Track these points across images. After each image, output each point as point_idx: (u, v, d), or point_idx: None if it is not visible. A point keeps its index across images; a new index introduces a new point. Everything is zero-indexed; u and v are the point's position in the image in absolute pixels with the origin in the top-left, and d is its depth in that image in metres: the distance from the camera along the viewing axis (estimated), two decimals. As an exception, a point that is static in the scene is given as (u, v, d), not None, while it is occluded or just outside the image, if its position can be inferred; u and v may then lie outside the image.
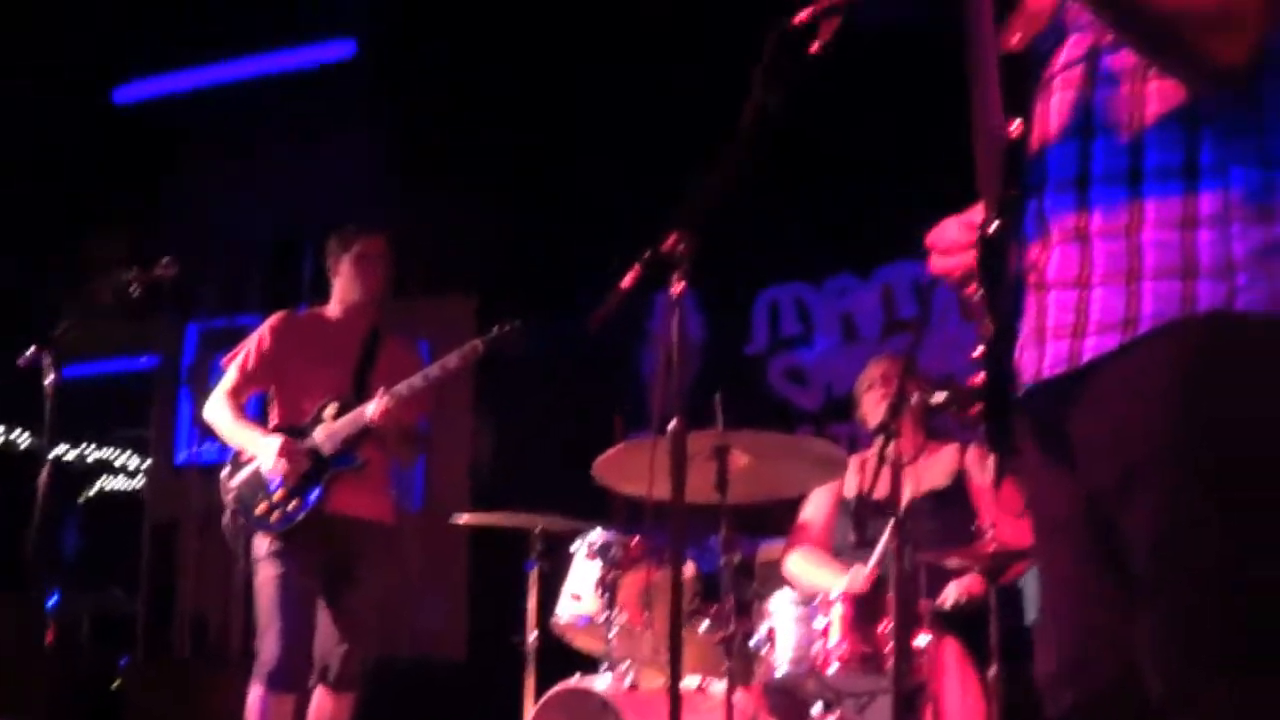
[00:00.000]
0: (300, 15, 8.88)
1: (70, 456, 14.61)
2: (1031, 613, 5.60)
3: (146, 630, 8.46)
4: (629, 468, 4.27)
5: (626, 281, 3.33)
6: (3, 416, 15.54)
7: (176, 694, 7.55)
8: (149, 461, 10.33)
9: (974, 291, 2.36)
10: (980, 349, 2.31)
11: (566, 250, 8.67)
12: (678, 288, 3.28)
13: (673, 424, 3.33)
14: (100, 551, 13.48)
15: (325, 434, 5.34)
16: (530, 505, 5.49)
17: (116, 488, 16.91)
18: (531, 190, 8.73)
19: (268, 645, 5.17)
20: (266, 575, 5.26)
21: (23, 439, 15.59)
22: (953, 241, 2.43)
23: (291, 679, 5.18)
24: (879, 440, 4.87)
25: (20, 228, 10.41)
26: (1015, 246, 2.30)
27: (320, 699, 5.37)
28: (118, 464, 16.49)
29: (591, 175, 8.48)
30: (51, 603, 6.32)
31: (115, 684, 7.40)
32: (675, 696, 3.01)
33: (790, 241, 8.32)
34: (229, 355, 5.63)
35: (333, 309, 5.68)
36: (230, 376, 5.55)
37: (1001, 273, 2.29)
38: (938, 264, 2.48)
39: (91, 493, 16.27)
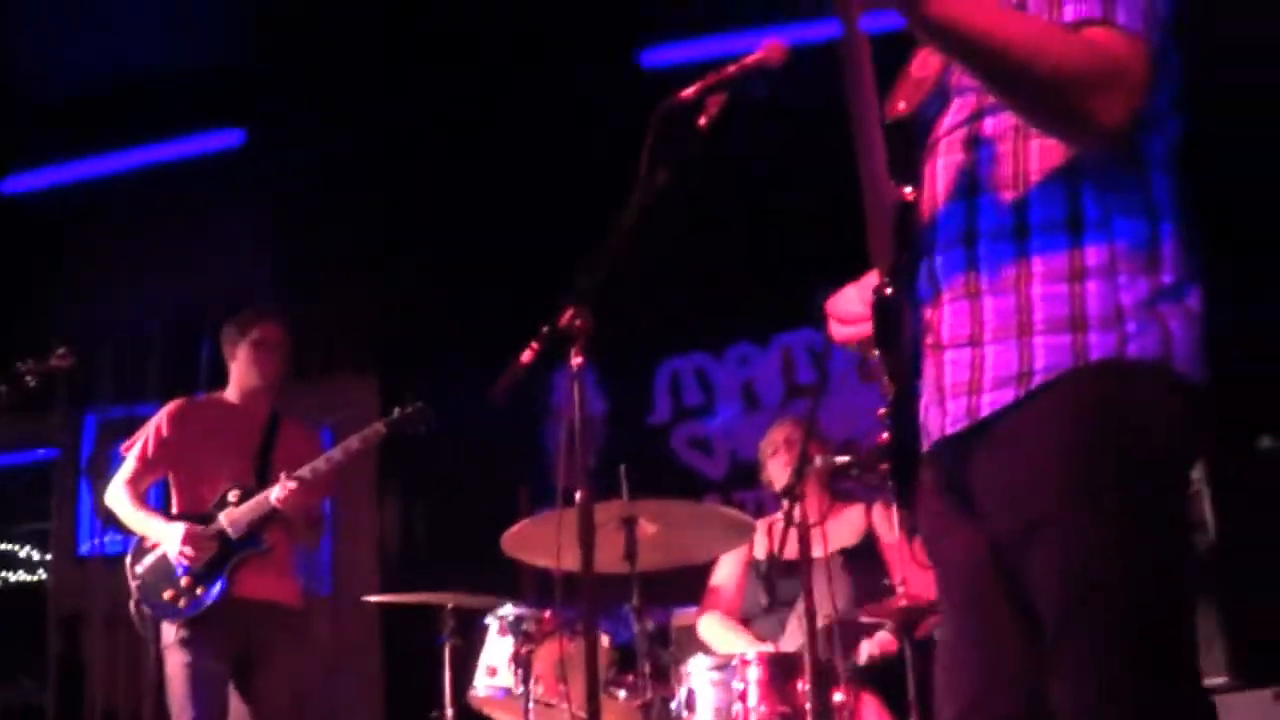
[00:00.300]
0: (188, 104, 8.86)
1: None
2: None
3: (55, 724, 8.30)
4: (537, 541, 4.30)
5: (526, 356, 3.36)
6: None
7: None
8: (51, 553, 10.15)
9: (875, 355, 2.42)
10: (883, 409, 2.36)
11: (465, 327, 8.68)
12: (577, 361, 3.32)
13: (579, 495, 3.35)
14: (5, 645, 13.25)
15: (229, 519, 5.32)
16: (440, 582, 5.48)
17: (19, 580, 16.65)
18: (430, 269, 8.73)
19: None
20: (176, 663, 5.22)
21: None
22: (850, 309, 2.49)
23: None
24: (785, 503, 4.96)
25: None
26: (910, 308, 2.36)
27: None
28: (20, 556, 16.24)
29: (488, 252, 8.51)
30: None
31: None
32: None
33: (689, 311, 8.39)
34: (128, 443, 5.62)
35: (231, 395, 5.68)
36: (129, 465, 5.53)
37: (898, 335, 2.34)
38: (838, 331, 2.53)
39: (-4, 586, 16.01)
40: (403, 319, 8.96)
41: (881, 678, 4.61)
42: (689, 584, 5.72)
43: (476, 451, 8.54)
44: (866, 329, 2.43)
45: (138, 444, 5.53)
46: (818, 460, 4.41)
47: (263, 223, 8.57)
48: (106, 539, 9.06)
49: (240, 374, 5.63)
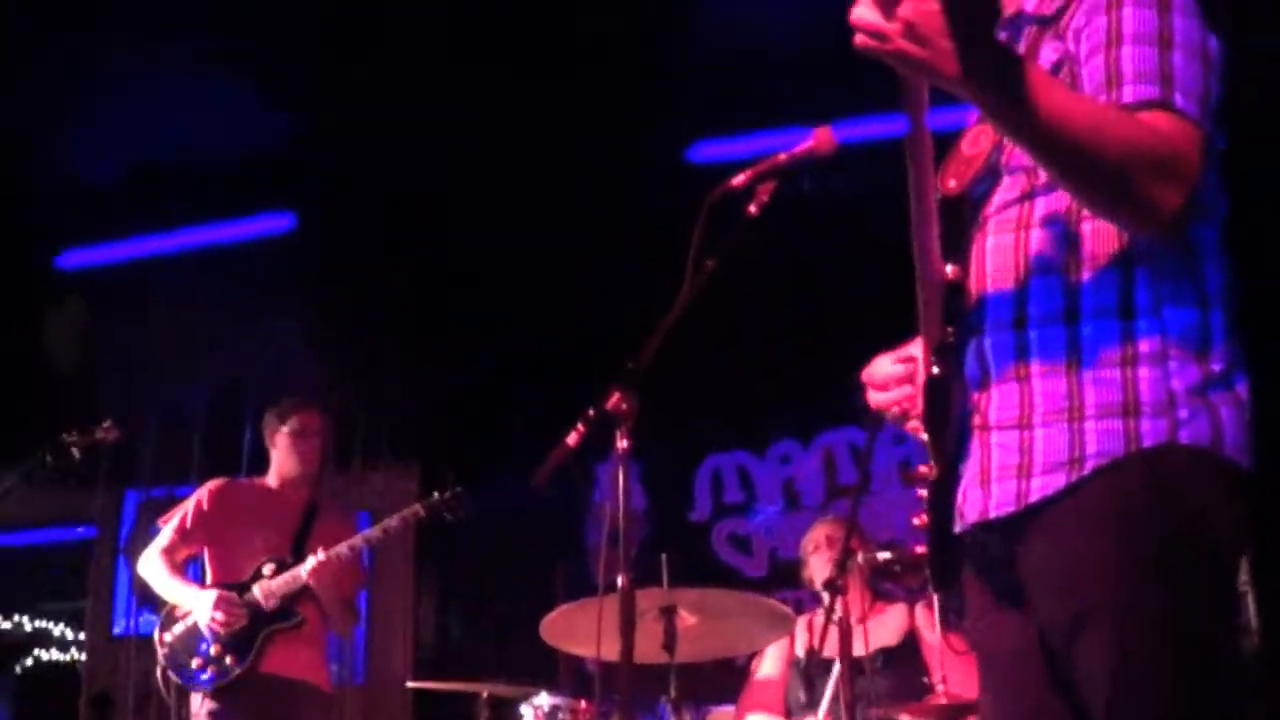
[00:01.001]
0: (241, 187, 8.94)
1: (5, 626, 14.38)
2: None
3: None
4: (575, 628, 4.26)
5: (572, 439, 3.37)
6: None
7: None
8: (86, 631, 10.15)
9: (916, 429, 2.39)
10: (924, 491, 2.34)
11: (507, 419, 8.70)
12: (622, 444, 3.31)
13: (620, 581, 3.33)
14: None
15: (263, 590, 5.32)
16: (475, 671, 5.45)
17: (52, 659, 16.64)
18: (474, 360, 8.76)
19: None
20: None
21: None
22: (887, 376, 2.47)
23: None
24: (827, 597, 4.91)
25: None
26: (958, 389, 2.34)
27: None
28: (54, 635, 16.24)
29: (532, 344, 8.53)
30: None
31: None
32: None
33: (731, 409, 8.39)
34: (165, 516, 5.64)
35: (271, 480, 5.71)
36: (166, 535, 5.55)
37: (945, 415, 2.31)
38: (875, 399, 2.51)
39: (27, 663, 15.99)
40: (446, 409, 8.98)
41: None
42: (723, 682, 5.67)
43: (513, 543, 8.53)
44: (903, 395, 2.41)
45: (176, 516, 5.57)
46: (860, 557, 4.37)
47: (309, 307, 8.61)
48: (142, 619, 9.09)
49: (280, 461, 5.67)
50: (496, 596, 8.65)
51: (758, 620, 4.24)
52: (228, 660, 5.22)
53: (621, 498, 3.30)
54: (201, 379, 9.17)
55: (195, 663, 5.26)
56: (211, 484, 5.65)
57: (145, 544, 9.44)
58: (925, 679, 4.71)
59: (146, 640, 8.86)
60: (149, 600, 9.36)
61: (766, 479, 8.61)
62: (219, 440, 9.00)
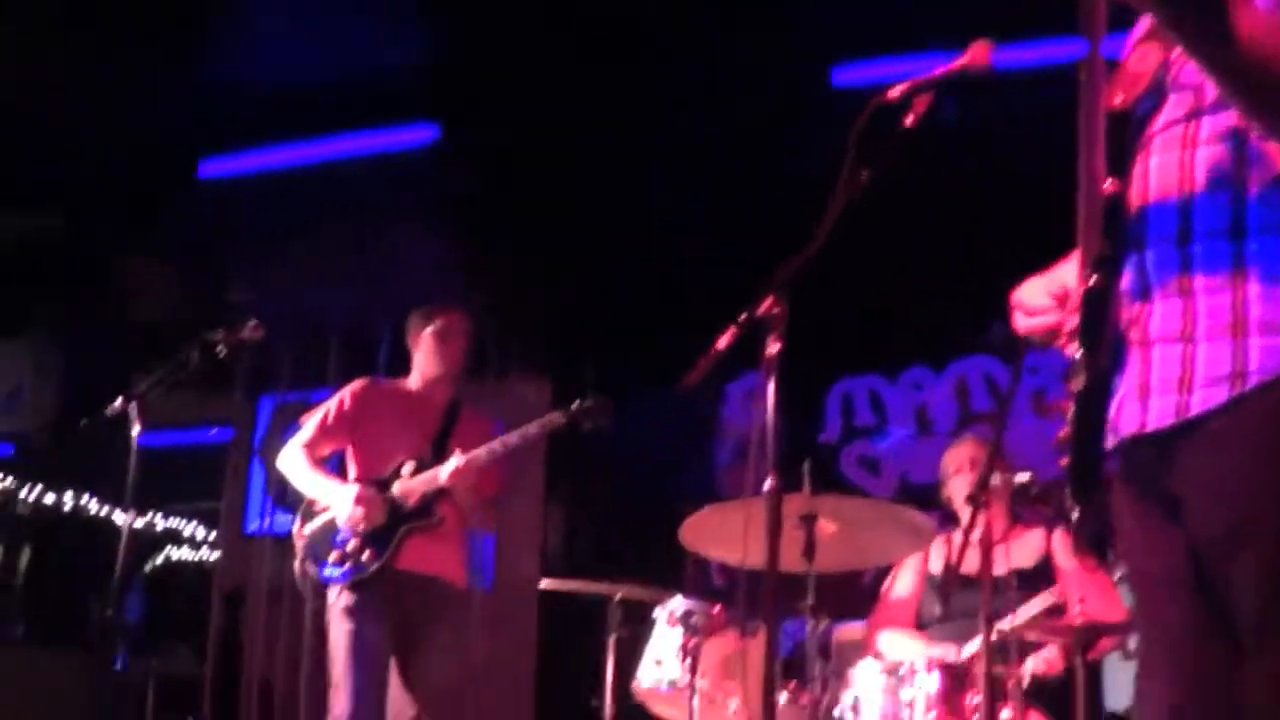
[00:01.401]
0: (386, 99, 9.01)
1: (139, 524, 14.73)
2: (1110, 699, 5.56)
3: (213, 695, 8.47)
4: (716, 532, 4.28)
5: (722, 343, 3.39)
6: (72, 483, 15.74)
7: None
8: (219, 530, 10.38)
9: (1066, 347, 2.38)
10: (1070, 404, 2.32)
11: (640, 335, 8.72)
12: (774, 348, 3.33)
13: (768, 484, 3.35)
14: (166, 619, 13.57)
15: (402, 489, 5.35)
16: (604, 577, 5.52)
17: (182, 558, 17.05)
18: (609, 274, 8.80)
19: (339, 702, 5.15)
20: (340, 630, 5.24)
21: (91, 506, 15.76)
22: (1038, 297, 2.46)
23: None
24: (966, 517, 4.90)
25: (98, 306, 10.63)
26: (1116, 302, 2.32)
27: None
28: (185, 534, 16.63)
29: (668, 260, 8.55)
30: (120, 665, 6.36)
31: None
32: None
33: (864, 334, 8.37)
34: (308, 413, 5.68)
35: (413, 382, 5.73)
36: (307, 431, 5.58)
37: (1102, 328, 2.30)
38: (1022, 323, 2.50)
39: (158, 561, 16.40)
40: (579, 324, 9.04)
41: (1048, 698, 4.53)
42: (849, 600, 5.68)
43: (642, 458, 8.58)
44: (1053, 319, 2.40)
45: (318, 414, 5.60)
46: (1001, 479, 4.34)
47: (447, 219, 8.68)
48: (275, 519, 9.29)
49: (423, 362, 5.67)
50: (623, 509, 8.73)
51: (898, 531, 4.22)
52: (365, 555, 5.24)
53: (771, 405, 3.32)
54: (339, 287, 9.27)
55: (333, 556, 5.27)
56: (354, 384, 5.68)
57: (279, 447, 9.71)
58: (1060, 601, 4.71)
59: (278, 539, 9.12)
60: (282, 501, 9.59)
61: (898, 403, 8.60)
62: (355, 347, 9.13)
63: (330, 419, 5.56)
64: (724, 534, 4.24)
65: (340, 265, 9.01)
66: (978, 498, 3.82)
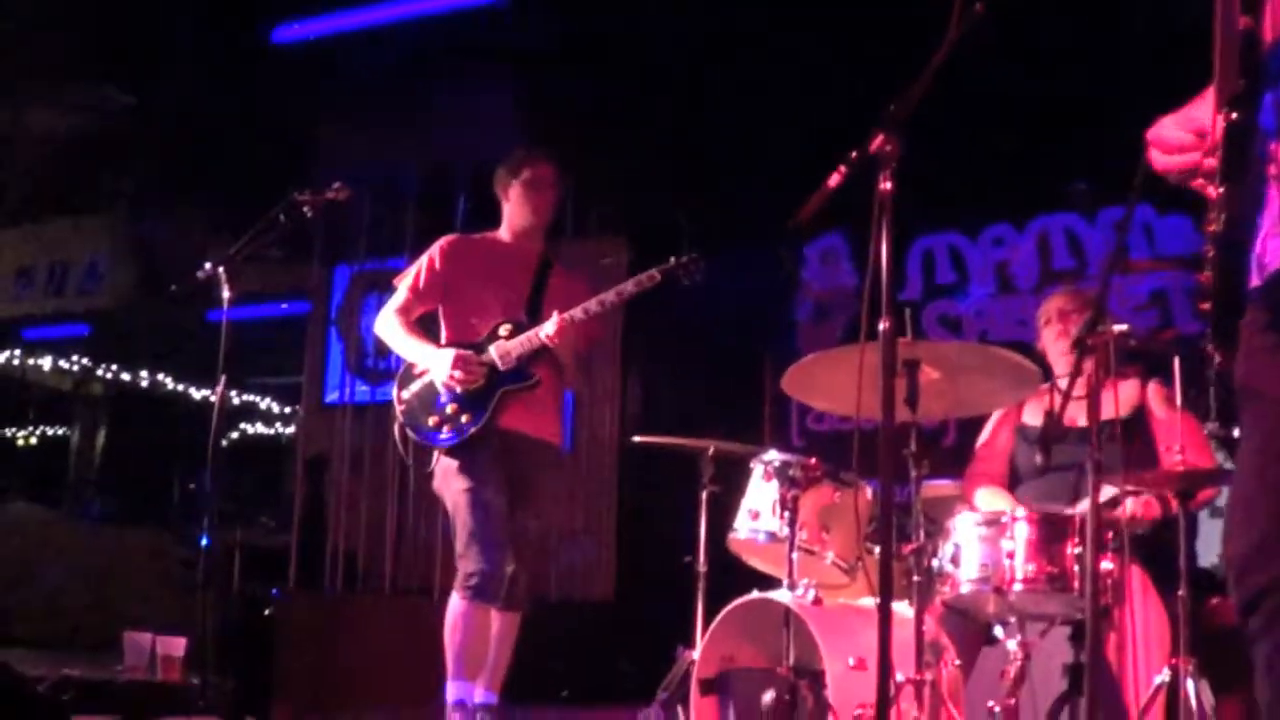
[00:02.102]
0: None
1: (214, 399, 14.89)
2: (1205, 554, 5.52)
3: (299, 563, 8.57)
4: (816, 382, 4.25)
5: (833, 181, 3.36)
6: (147, 361, 15.89)
7: (327, 625, 7.65)
8: (300, 400, 10.46)
9: (1201, 187, 2.33)
10: (1209, 246, 2.27)
11: (715, 192, 8.67)
12: (885, 186, 3.29)
13: (882, 326, 3.32)
14: (244, 492, 13.74)
15: (499, 351, 5.30)
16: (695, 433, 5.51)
17: (258, 431, 17.26)
18: (682, 133, 8.73)
19: (469, 559, 5.13)
20: (456, 491, 5.22)
21: (166, 383, 15.93)
22: (1174, 139, 2.40)
23: (495, 589, 5.14)
24: (1061, 368, 4.84)
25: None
26: (1255, 138, 2.26)
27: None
28: (260, 408, 16.81)
29: (742, 118, 8.46)
30: (204, 535, 6.41)
31: (266, 613, 7.50)
32: (887, 588, 2.99)
33: (945, 190, 8.26)
34: (399, 276, 5.63)
35: (503, 234, 5.66)
36: (400, 294, 5.54)
37: (1242, 164, 2.24)
38: (1159, 161, 2.44)
39: (234, 436, 16.60)
40: (654, 183, 8.97)
41: (1149, 548, 4.50)
42: (938, 459, 5.65)
43: (719, 320, 8.55)
44: (1188, 157, 2.34)
45: (410, 275, 5.55)
46: (1101, 329, 4.26)
47: (523, 77, 8.60)
48: (355, 389, 9.34)
49: (512, 214, 5.60)
50: (701, 369, 8.72)
51: (1003, 377, 4.15)
52: (464, 418, 5.22)
53: (885, 247, 3.28)
54: (412, 151, 9.23)
55: (432, 420, 5.26)
56: (443, 241, 5.60)
57: (356, 316, 9.75)
58: (1154, 455, 4.67)
59: (358, 409, 9.19)
60: (360, 371, 9.65)
61: (979, 261, 8.52)
62: (431, 213, 9.10)
63: (422, 280, 5.51)
64: (824, 384, 4.21)
65: (414, 128, 8.97)
66: (1083, 343, 3.75)
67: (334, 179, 5.45)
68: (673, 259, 5.34)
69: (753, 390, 8.65)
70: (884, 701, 3.03)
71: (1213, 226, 2.30)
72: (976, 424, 5.56)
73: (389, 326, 5.52)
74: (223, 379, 5.37)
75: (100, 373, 16.31)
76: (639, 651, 7.09)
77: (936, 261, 8.57)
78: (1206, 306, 2.34)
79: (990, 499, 5.02)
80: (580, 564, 8.92)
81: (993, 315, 8.44)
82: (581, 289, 5.61)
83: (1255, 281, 2.26)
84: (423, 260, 5.57)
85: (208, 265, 5.31)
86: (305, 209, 5.40)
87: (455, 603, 5.18)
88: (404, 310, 5.52)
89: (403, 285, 5.55)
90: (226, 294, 5.29)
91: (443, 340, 5.50)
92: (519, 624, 5.38)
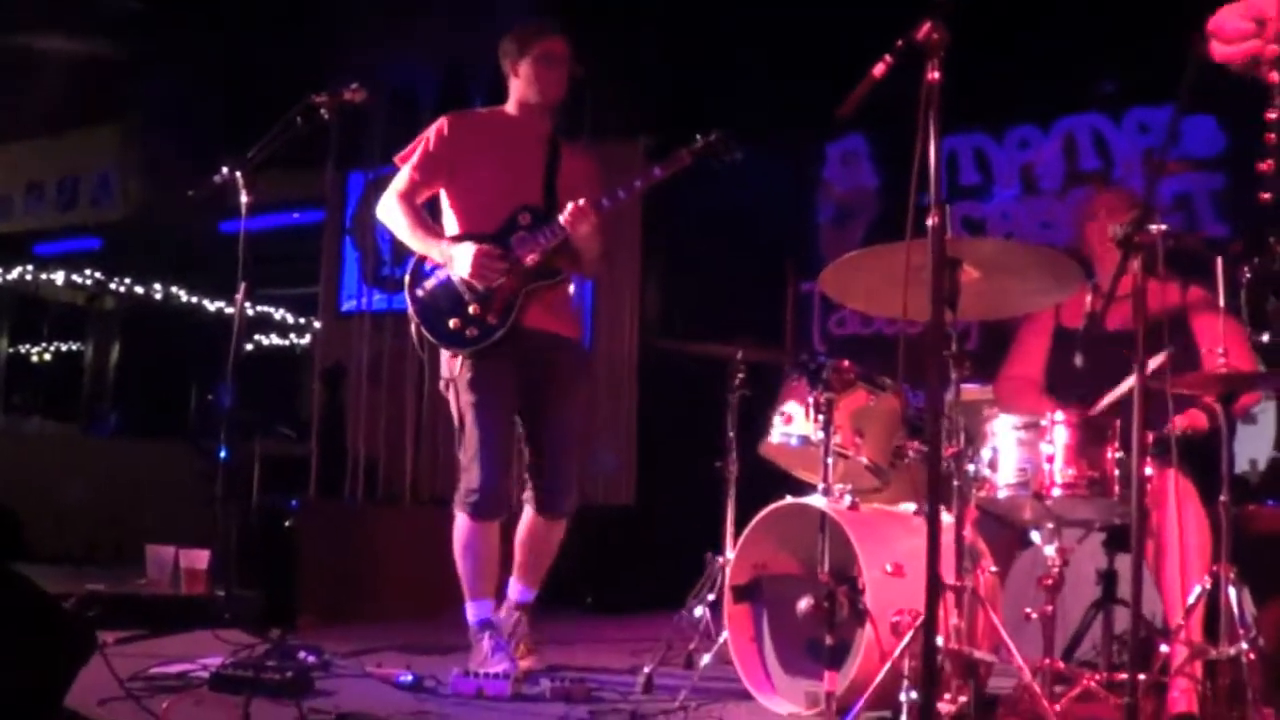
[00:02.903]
0: None
1: (229, 310, 14.77)
2: (1238, 461, 5.44)
3: (319, 472, 8.52)
4: (852, 283, 4.14)
5: (878, 70, 3.28)
6: (160, 274, 15.82)
7: (348, 534, 7.62)
8: (317, 309, 10.38)
9: (1264, 74, 2.25)
10: (1271, 132, 2.20)
11: (735, 94, 8.54)
12: (933, 75, 3.20)
13: (931, 221, 3.22)
14: (263, 402, 13.68)
15: (521, 245, 5.04)
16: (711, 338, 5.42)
17: (272, 343, 17.20)
18: (703, 33, 8.60)
19: (471, 475, 5.01)
20: (465, 402, 5.02)
21: (180, 295, 15.86)
22: (1236, 28, 2.31)
23: (495, 506, 5.04)
24: (1107, 267, 4.73)
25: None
26: None
27: (533, 522, 5.25)
28: (275, 319, 16.74)
29: (760, 20, 8.33)
30: (222, 448, 6.36)
31: (287, 524, 7.45)
32: (935, 494, 2.91)
33: (969, 91, 8.13)
34: (401, 154, 5.32)
35: (510, 108, 5.35)
36: (403, 175, 5.25)
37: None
38: (1220, 51, 2.36)
39: (248, 347, 16.53)
40: (673, 84, 8.85)
41: (1191, 453, 4.40)
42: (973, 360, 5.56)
43: (739, 222, 8.47)
44: (1252, 45, 2.25)
45: (413, 154, 5.24)
46: (1147, 230, 4.13)
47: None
48: (372, 297, 9.25)
49: (521, 90, 5.28)
50: (723, 274, 8.64)
51: (1045, 276, 4.01)
52: (490, 319, 4.98)
53: (932, 137, 3.19)
54: (425, 53, 9.08)
55: (453, 322, 4.99)
56: (445, 117, 5.29)
57: (371, 224, 9.63)
58: (1196, 358, 4.57)
59: (375, 316, 9.10)
60: (377, 280, 9.55)
61: (1004, 163, 8.41)
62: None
63: (423, 157, 5.21)
64: (860, 284, 4.10)
65: (428, 31, 8.83)
66: (1130, 240, 3.63)
67: (354, 81, 5.32)
68: (700, 138, 5.07)
69: (774, 293, 8.58)
70: (932, 611, 2.96)
71: (1275, 113, 2.22)
72: (999, 327, 5.46)
73: (393, 213, 5.22)
74: (243, 286, 5.30)
75: (114, 287, 16.22)
76: (663, 558, 7.07)
77: (961, 163, 8.47)
78: (1267, 197, 2.27)
79: (1018, 399, 4.93)
80: (600, 469, 8.88)
81: (1018, 217, 8.35)
82: (592, 167, 5.40)
83: None
84: (426, 134, 5.26)
85: (224, 170, 5.22)
86: (322, 111, 5.30)
87: (459, 521, 5.09)
88: (407, 194, 5.22)
89: (405, 166, 5.25)
90: (244, 199, 5.22)
91: (453, 230, 5.21)
92: (564, 530, 5.31)
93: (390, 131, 9.29)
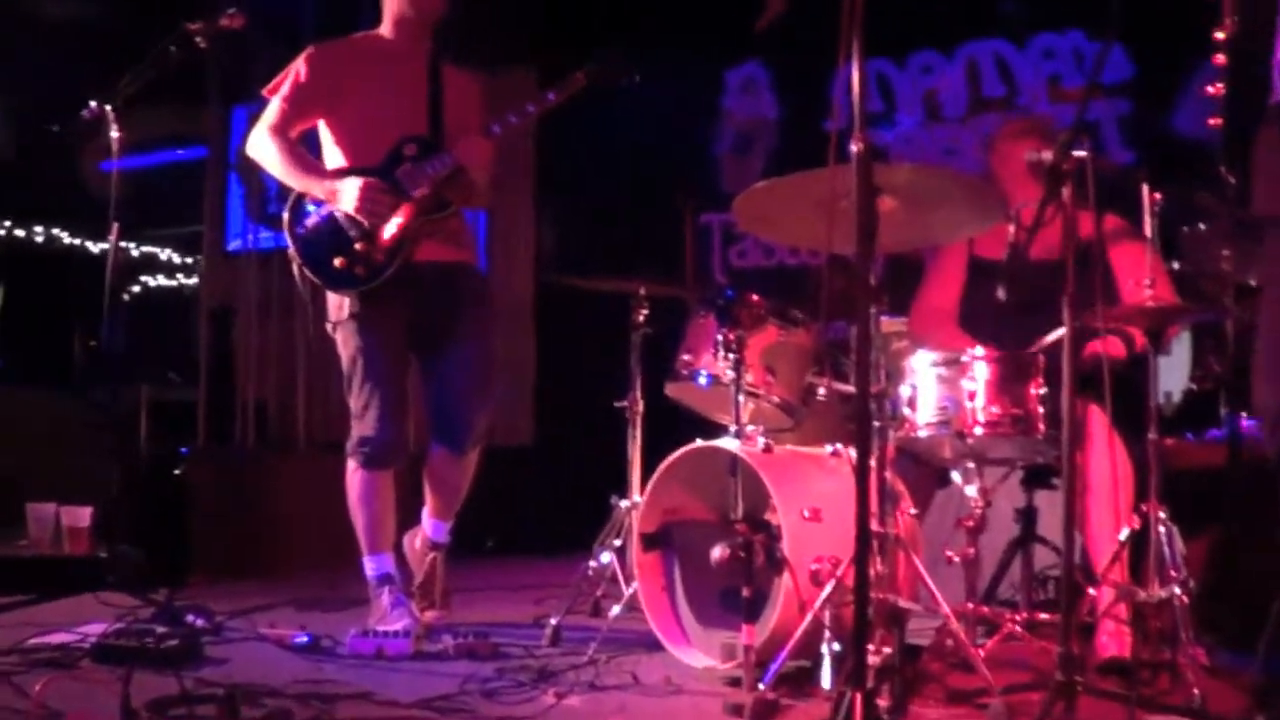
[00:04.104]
0: None
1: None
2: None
3: (207, 418, 8.24)
4: (768, 212, 3.93)
5: None
6: (41, 215, 15.33)
7: (240, 483, 7.39)
8: (202, 250, 10.02)
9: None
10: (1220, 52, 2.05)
11: (625, 17, 8.34)
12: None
13: (855, 147, 3.04)
14: (151, 346, 13.32)
15: (408, 176, 4.74)
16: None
17: (160, 284, 16.76)
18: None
19: (364, 424, 4.79)
20: (353, 346, 4.78)
21: (63, 237, 15.38)
22: None
23: (389, 455, 4.83)
24: (1016, 197, 4.56)
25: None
26: None
27: (442, 457, 4.98)
28: (161, 259, 16.31)
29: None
30: (107, 395, 6.11)
31: (177, 472, 7.19)
32: (865, 439, 2.73)
33: (869, 16, 7.95)
34: (270, 86, 4.97)
35: (385, 30, 5.01)
36: (273, 108, 4.89)
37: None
38: None
39: (135, 289, 16.09)
40: (563, 11, 8.62)
41: (1110, 385, 4.26)
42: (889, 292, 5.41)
43: (637, 153, 8.29)
44: None
45: (281, 85, 4.91)
46: (1037, 155, 3.96)
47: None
48: (259, 235, 8.94)
49: (396, 6, 4.94)
50: (619, 205, 8.46)
51: (966, 205, 3.83)
52: (379, 256, 4.70)
53: (855, 63, 3.00)
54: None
55: (338, 261, 4.69)
56: (308, 49, 4.95)
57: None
58: (1113, 287, 4.44)
59: (263, 255, 8.80)
60: (263, 217, 9.24)
61: (906, 89, 8.25)
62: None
63: (293, 89, 4.87)
64: (775, 213, 3.90)
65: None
66: (1059, 169, 3.45)
67: (231, 6, 5.02)
68: (595, 56, 4.81)
69: (672, 226, 8.41)
70: (864, 566, 2.78)
71: (1225, 32, 2.07)
72: (903, 259, 5.28)
73: (265, 148, 4.87)
74: (115, 228, 5.06)
75: (-9, 229, 15.71)
76: (565, 499, 6.93)
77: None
78: (1216, 123, 2.13)
79: (929, 331, 4.78)
80: (497, 407, 8.70)
81: (921, 144, 8.21)
82: (477, 89, 5.12)
83: (1277, 96, 2.02)
84: (296, 64, 4.92)
85: (93, 104, 4.96)
86: (197, 39, 5.03)
87: (352, 473, 4.87)
88: (278, 128, 4.84)
89: (275, 97, 4.91)
90: (115, 134, 4.98)
91: (336, 163, 4.89)
92: (475, 464, 5.05)
93: (273, 65, 8.98)
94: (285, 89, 4.90)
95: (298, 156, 4.85)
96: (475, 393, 4.93)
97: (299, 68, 4.91)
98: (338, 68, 4.90)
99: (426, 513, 5.09)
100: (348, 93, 4.87)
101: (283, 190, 4.95)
